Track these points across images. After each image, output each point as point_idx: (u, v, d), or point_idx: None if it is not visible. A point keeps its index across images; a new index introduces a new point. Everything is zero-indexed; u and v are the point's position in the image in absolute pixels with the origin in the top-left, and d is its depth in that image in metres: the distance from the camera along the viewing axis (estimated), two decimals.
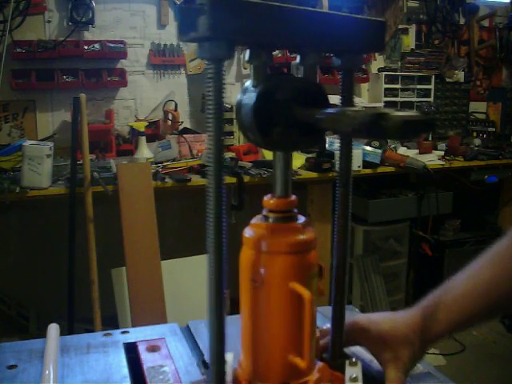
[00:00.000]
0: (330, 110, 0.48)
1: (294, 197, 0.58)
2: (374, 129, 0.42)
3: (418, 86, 3.41)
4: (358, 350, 0.76)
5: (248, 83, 0.55)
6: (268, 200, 0.58)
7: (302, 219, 0.58)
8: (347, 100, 0.60)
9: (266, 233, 0.56)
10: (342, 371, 0.65)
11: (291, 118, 0.53)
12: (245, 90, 0.54)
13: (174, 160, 2.53)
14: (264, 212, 0.58)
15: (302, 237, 0.57)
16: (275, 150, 0.57)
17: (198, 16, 0.47)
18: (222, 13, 0.46)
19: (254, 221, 0.59)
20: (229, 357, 0.66)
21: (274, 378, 0.58)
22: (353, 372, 0.65)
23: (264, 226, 0.57)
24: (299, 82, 0.56)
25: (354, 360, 0.67)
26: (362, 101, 3.14)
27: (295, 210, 0.58)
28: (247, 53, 0.53)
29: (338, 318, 0.66)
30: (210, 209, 0.51)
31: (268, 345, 0.58)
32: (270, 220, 0.57)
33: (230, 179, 2.22)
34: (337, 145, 0.66)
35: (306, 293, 0.54)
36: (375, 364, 0.73)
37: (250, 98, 0.52)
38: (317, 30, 0.53)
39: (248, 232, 0.58)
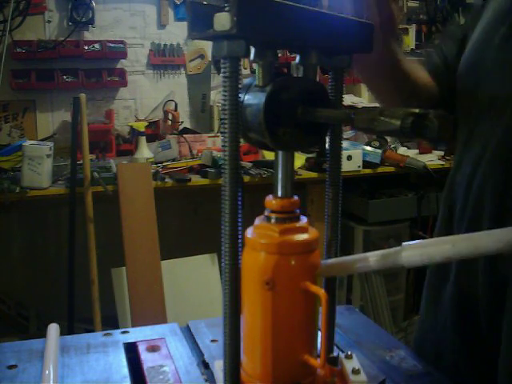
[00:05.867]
0: (363, 110, 0.48)
1: (296, 197, 0.58)
2: (419, 129, 0.42)
3: None
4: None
5: (247, 82, 0.55)
6: (271, 200, 0.57)
7: (304, 219, 0.58)
8: (337, 100, 0.60)
9: (277, 234, 0.56)
10: (335, 365, 0.65)
11: (298, 117, 0.53)
12: (247, 90, 0.54)
13: (173, 160, 2.53)
14: (267, 213, 0.58)
15: (310, 236, 0.57)
16: (281, 150, 0.57)
17: (213, 13, 0.46)
18: (247, 11, 0.46)
19: (257, 222, 0.58)
20: (218, 364, 0.66)
21: (286, 379, 0.58)
22: (352, 365, 0.65)
23: (272, 227, 0.56)
24: (305, 82, 0.56)
25: (349, 353, 0.67)
26: (361, 101, 3.14)
27: (297, 211, 0.58)
28: (252, 52, 0.52)
29: (328, 314, 0.66)
30: (225, 209, 0.52)
31: (282, 346, 0.57)
32: (273, 221, 0.57)
33: None
34: None
35: (321, 291, 0.55)
36: (375, 366, 0.74)
37: (258, 97, 0.52)
38: (322, 29, 0.54)
39: (254, 234, 0.57)
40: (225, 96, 0.50)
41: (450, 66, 0.93)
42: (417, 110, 0.43)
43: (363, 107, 2.88)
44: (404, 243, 0.53)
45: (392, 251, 0.54)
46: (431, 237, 0.59)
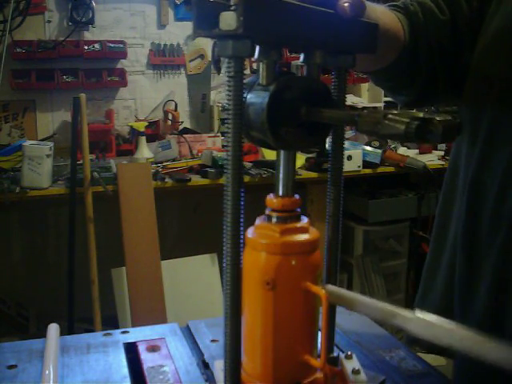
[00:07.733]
0: (367, 113, 0.48)
1: (297, 196, 0.58)
2: (423, 134, 0.43)
3: None
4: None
5: (250, 81, 0.55)
6: (273, 199, 0.57)
7: (305, 219, 0.58)
8: (340, 100, 0.60)
9: (278, 234, 0.55)
10: (335, 365, 0.65)
11: (302, 117, 0.53)
12: (250, 89, 0.54)
13: (174, 160, 2.53)
14: (268, 211, 0.58)
15: (310, 236, 0.57)
16: (283, 149, 0.57)
17: (219, 11, 0.46)
18: (253, 10, 0.45)
19: (258, 222, 0.58)
20: (218, 364, 0.66)
21: (286, 379, 0.58)
22: (352, 365, 0.65)
23: (273, 227, 0.56)
24: (309, 81, 0.56)
25: (349, 353, 0.67)
26: (361, 101, 3.14)
27: (298, 210, 0.58)
28: (257, 51, 0.52)
29: (328, 314, 0.66)
30: (227, 209, 0.52)
31: (282, 346, 0.57)
32: (274, 220, 0.57)
33: None
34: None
35: (321, 292, 0.55)
36: (375, 366, 0.74)
37: (262, 96, 0.52)
38: (327, 28, 0.54)
39: (254, 234, 0.57)
40: (229, 96, 0.49)
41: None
42: (421, 115, 0.43)
43: (364, 107, 2.88)
44: (417, 312, 0.51)
45: (402, 315, 0.52)
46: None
